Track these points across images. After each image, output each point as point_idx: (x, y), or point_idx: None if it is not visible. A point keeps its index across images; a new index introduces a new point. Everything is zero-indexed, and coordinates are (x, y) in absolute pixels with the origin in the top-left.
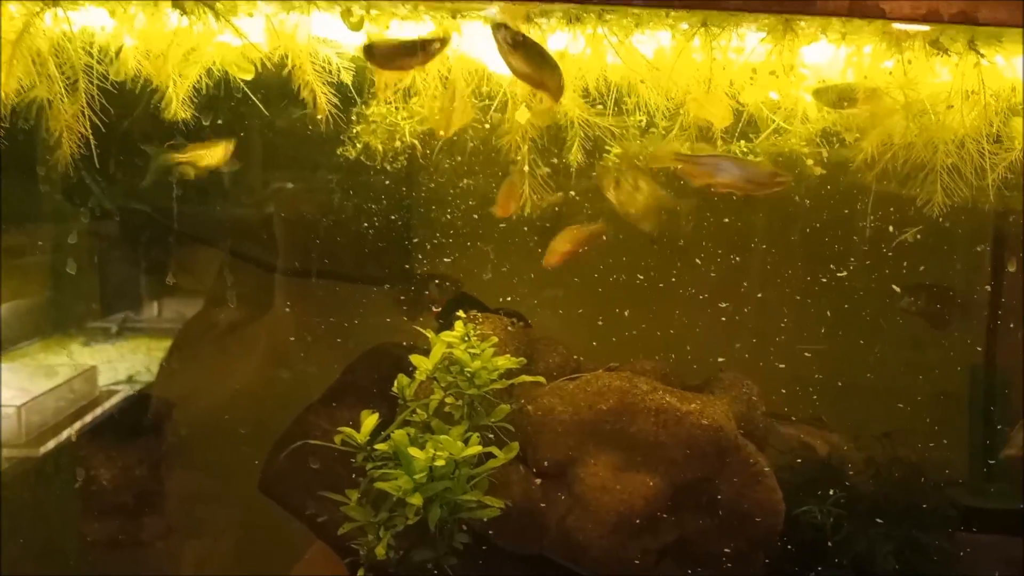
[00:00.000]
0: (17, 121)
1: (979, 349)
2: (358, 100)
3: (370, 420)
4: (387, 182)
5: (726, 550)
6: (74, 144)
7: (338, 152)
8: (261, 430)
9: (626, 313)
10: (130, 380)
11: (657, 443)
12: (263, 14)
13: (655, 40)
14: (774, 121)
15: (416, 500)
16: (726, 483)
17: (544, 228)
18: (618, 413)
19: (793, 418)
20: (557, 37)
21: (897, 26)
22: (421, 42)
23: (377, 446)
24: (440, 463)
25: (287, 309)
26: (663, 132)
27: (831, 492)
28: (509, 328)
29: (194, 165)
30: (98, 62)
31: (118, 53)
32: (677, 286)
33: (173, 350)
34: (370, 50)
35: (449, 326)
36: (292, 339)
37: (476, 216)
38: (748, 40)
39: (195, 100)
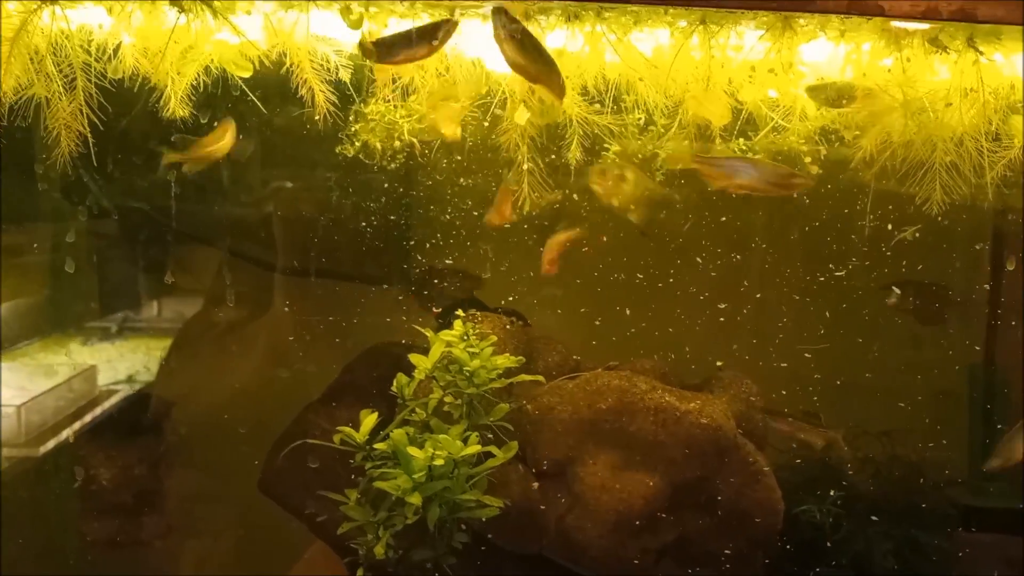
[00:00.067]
0: (15, 119)
1: (977, 348)
2: (356, 98)
3: (369, 419)
4: (385, 180)
5: (725, 549)
6: (72, 142)
7: (336, 151)
8: (261, 430)
9: (627, 312)
10: (130, 379)
11: (656, 442)
12: (261, 12)
13: (654, 38)
14: (773, 119)
15: (415, 499)
16: (725, 482)
17: (543, 227)
18: (617, 412)
19: (786, 411)
20: (556, 35)
21: (896, 24)
22: (430, 27)
23: (376, 445)
24: (439, 462)
25: (286, 308)
26: (662, 130)
27: (831, 492)
28: (508, 327)
29: (208, 158)
30: (96, 60)
31: (116, 51)
32: (675, 285)
33: (173, 349)
34: (375, 45)
35: (450, 325)
36: (291, 338)
37: (476, 214)
38: (747, 38)
39: (193, 98)
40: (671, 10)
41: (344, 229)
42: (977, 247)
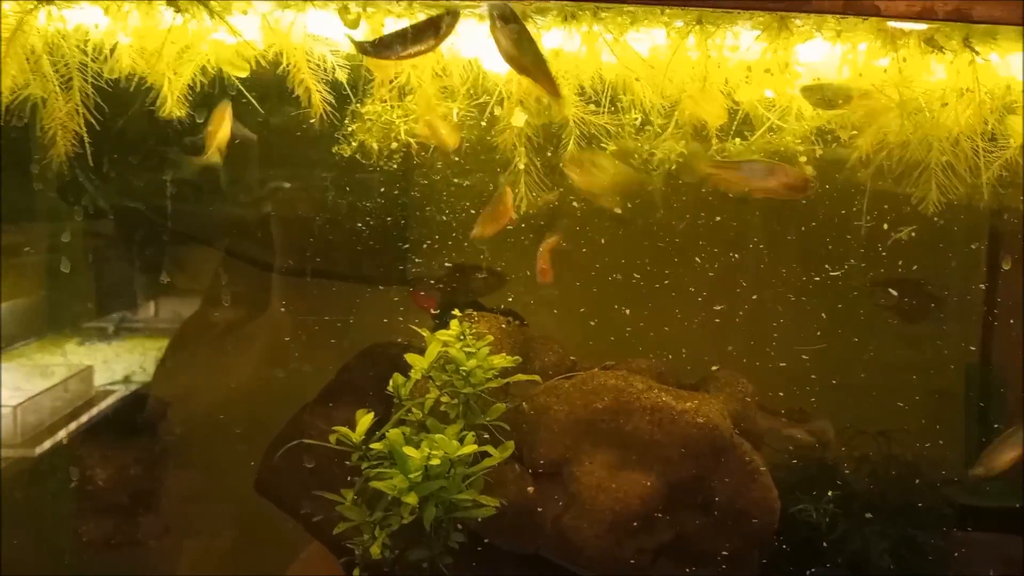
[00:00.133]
0: (11, 119)
1: (973, 348)
2: (353, 98)
3: (365, 419)
4: (382, 180)
5: (722, 549)
6: (68, 142)
7: (333, 150)
8: (257, 430)
9: (623, 312)
10: (126, 380)
11: (653, 442)
12: (258, 12)
13: (650, 38)
14: (769, 119)
15: (411, 499)
16: (721, 482)
17: (539, 226)
18: (614, 412)
19: (780, 412)
20: (552, 35)
21: (892, 24)
22: (431, 20)
23: (372, 445)
24: (435, 462)
25: (283, 308)
26: (658, 130)
27: (827, 491)
28: (504, 327)
29: (220, 144)
30: (92, 60)
31: (112, 51)
32: (671, 285)
33: (169, 350)
34: (373, 42)
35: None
36: (288, 339)
37: (474, 213)
38: (743, 38)
39: (190, 98)
40: (667, 10)
41: (341, 229)
42: (973, 247)
